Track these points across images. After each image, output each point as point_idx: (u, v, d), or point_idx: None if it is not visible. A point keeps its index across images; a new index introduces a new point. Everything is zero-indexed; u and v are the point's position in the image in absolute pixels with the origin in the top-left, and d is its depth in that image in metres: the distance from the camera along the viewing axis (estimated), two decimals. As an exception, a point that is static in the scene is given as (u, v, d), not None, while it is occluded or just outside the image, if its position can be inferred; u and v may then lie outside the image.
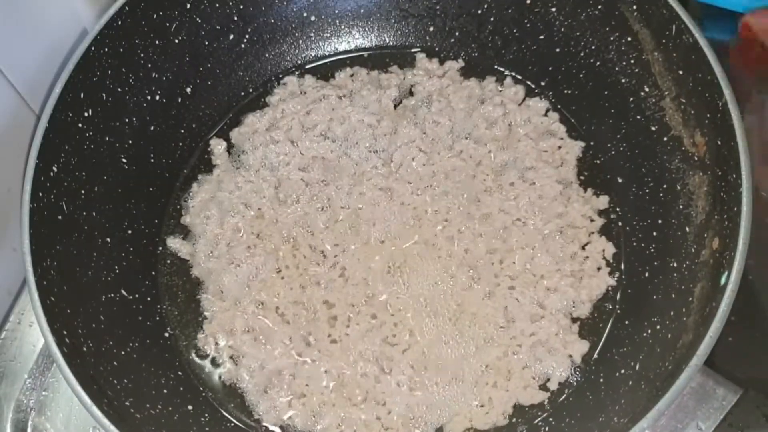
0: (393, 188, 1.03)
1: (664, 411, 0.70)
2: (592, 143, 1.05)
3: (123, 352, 0.89)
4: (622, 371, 0.87)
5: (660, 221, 0.94)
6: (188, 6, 1.01)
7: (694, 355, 0.71)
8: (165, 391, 0.90)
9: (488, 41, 1.11)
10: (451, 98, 1.07)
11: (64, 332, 0.80)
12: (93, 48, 0.91)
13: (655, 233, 0.95)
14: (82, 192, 0.93)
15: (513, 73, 1.10)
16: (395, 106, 1.09)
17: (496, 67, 1.11)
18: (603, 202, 1.01)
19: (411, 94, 1.10)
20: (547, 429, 0.88)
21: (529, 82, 1.09)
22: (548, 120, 1.07)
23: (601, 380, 0.89)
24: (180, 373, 0.94)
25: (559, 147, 1.05)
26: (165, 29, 1.00)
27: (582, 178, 1.03)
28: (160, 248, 1.02)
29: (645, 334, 0.88)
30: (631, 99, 0.99)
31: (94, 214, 0.94)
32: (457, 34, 1.12)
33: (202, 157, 1.08)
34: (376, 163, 1.05)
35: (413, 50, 1.14)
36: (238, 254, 1.00)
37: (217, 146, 1.08)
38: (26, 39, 0.92)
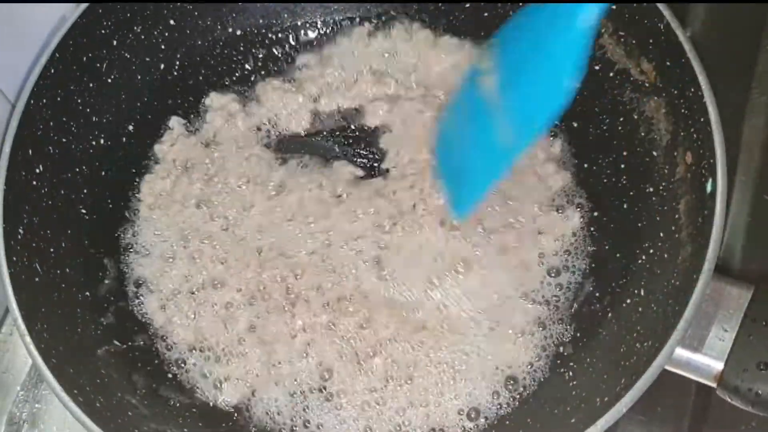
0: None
1: (690, 322, 0.72)
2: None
3: (134, 401, 0.86)
4: (628, 301, 0.89)
5: (625, 153, 0.97)
6: (115, 43, 0.98)
7: (704, 261, 0.73)
8: (185, 431, 0.87)
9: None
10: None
11: (75, 391, 0.77)
12: (32, 101, 0.88)
13: (623, 165, 0.97)
14: (51, 250, 0.89)
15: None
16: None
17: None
18: (557, 147, 1.03)
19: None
20: (570, 374, 0.89)
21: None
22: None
23: (609, 315, 0.91)
24: (194, 410, 0.90)
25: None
26: (97, 70, 0.97)
27: (539, 130, 1.05)
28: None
29: (640, 261, 0.90)
30: (569, 44, 1.01)
31: (67, 270, 0.91)
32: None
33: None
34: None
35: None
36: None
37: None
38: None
